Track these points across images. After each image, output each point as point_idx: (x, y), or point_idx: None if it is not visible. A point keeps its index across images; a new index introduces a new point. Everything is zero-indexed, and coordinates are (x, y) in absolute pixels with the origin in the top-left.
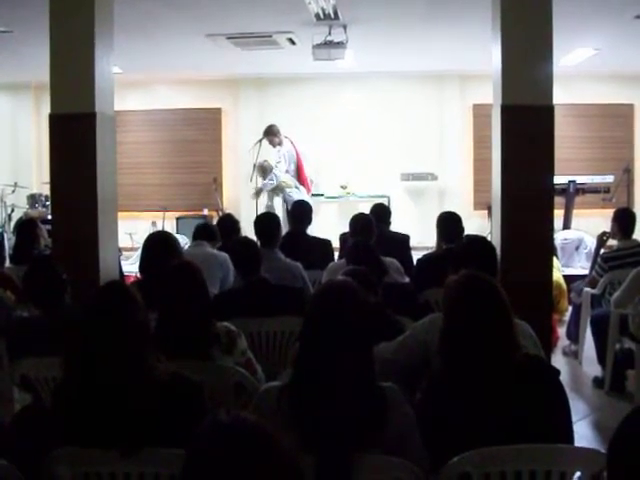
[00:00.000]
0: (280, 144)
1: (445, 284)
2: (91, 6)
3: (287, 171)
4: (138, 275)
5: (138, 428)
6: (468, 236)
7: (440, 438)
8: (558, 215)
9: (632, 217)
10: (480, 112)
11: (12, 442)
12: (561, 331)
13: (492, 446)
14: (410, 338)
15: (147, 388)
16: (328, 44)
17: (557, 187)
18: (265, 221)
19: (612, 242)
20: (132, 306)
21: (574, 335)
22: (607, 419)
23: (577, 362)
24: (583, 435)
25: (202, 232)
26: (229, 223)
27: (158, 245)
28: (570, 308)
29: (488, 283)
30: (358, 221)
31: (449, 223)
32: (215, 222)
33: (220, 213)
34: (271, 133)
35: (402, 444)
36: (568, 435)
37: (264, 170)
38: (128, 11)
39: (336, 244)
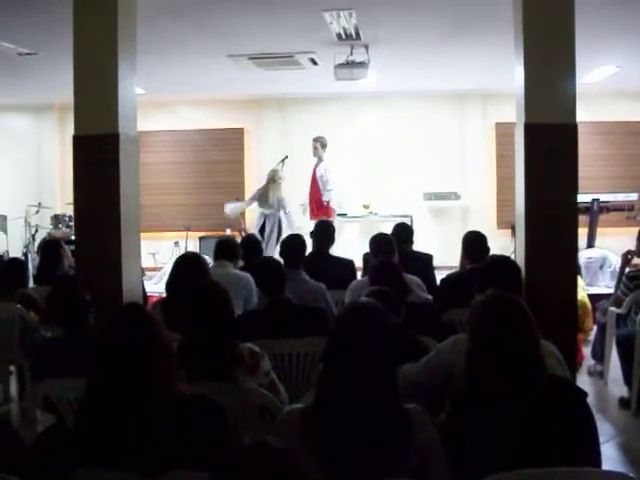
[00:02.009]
0: (320, 159)
1: (471, 304)
2: (114, 28)
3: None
4: (161, 295)
5: (161, 451)
6: (493, 256)
7: (465, 460)
8: (582, 233)
9: None
10: (502, 131)
11: (34, 463)
12: (586, 351)
13: (518, 469)
14: (434, 359)
15: (170, 410)
16: (350, 64)
17: (581, 205)
18: (290, 242)
19: (637, 260)
20: (151, 328)
21: (599, 355)
22: (634, 441)
23: (603, 382)
24: (609, 457)
25: (224, 250)
26: (252, 243)
27: (190, 265)
28: (595, 327)
29: (515, 303)
30: (379, 242)
31: (475, 242)
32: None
33: (243, 233)
34: (323, 144)
35: (426, 466)
36: (596, 458)
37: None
38: (151, 32)
39: (359, 264)
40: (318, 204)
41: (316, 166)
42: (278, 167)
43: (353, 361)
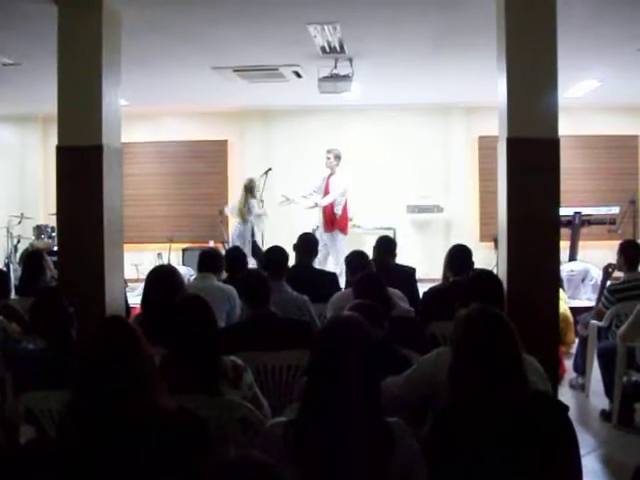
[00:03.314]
0: (332, 171)
1: (455, 317)
2: (99, 39)
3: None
4: None
5: (143, 464)
6: (476, 270)
7: (447, 473)
8: (564, 247)
9: (638, 249)
10: (486, 144)
11: (17, 476)
12: (568, 363)
13: None
14: (417, 372)
15: (152, 423)
16: (334, 77)
17: (563, 219)
18: (274, 253)
19: (618, 274)
20: (133, 340)
21: (581, 368)
22: (615, 453)
23: (584, 395)
24: (591, 469)
25: (207, 262)
26: (237, 256)
27: (161, 280)
28: (577, 340)
29: (499, 317)
30: (354, 259)
31: (460, 255)
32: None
33: (226, 245)
34: (337, 156)
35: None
36: (577, 472)
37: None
38: (135, 44)
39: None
40: (332, 217)
41: (329, 178)
42: (256, 178)
43: (336, 375)
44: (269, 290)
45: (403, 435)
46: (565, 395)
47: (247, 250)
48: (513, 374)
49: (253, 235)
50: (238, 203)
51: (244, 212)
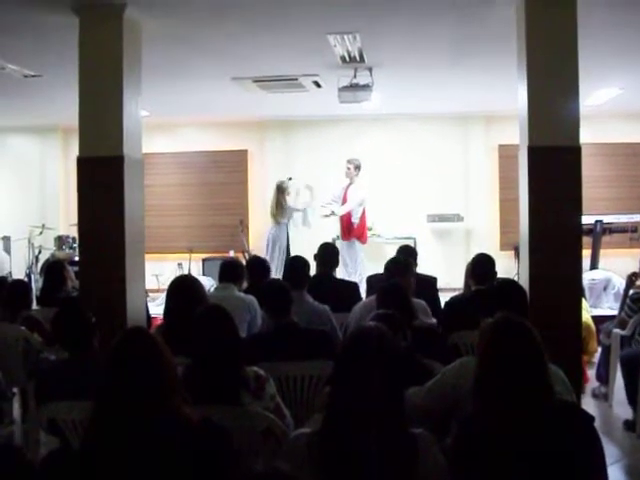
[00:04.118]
0: (351, 181)
1: (481, 327)
2: (120, 50)
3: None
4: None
5: (167, 475)
6: (499, 279)
7: None
8: (585, 255)
9: None
10: (506, 153)
11: None
12: (590, 373)
13: None
14: (440, 383)
15: (175, 434)
16: (354, 87)
17: (584, 227)
18: (295, 264)
19: None
20: (154, 350)
21: (604, 377)
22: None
23: (607, 404)
24: None
25: (228, 273)
26: (259, 265)
27: (182, 291)
28: (599, 349)
29: (525, 327)
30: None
31: (484, 264)
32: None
33: (246, 255)
34: (357, 166)
35: None
36: None
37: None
38: (155, 55)
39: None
40: (349, 226)
41: (347, 187)
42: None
43: (360, 385)
44: (290, 300)
45: (428, 447)
46: (588, 405)
47: (281, 254)
48: (539, 384)
49: (288, 238)
50: (270, 208)
51: (277, 214)
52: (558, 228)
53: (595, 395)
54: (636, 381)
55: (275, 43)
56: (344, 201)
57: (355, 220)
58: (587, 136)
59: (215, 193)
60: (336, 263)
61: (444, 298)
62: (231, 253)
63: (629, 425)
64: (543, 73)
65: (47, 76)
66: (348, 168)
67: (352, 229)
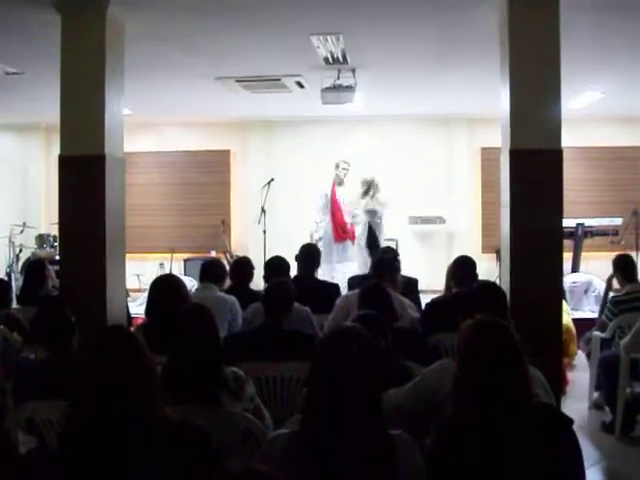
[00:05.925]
0: (341, 183)
1: (461, 329)
2: (102, 48)
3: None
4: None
5: (145, 475)
6: (479, 281)
7: None
8: (566, 258)
9: (631, 262)
10: (488, 155)
11: None
12: (570, 375)
13: None
14: (419, 384)
15: (154, 434)
16: (337, 88)
17: (565, 230)
18: (275, 264)
19: (618, 285)
20: (134, 349)
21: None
22: (618, 465)
23: (586, 407)
24: None
25: (209, 273)
26: (244, 266)
27: (164, 289)
28: (579, 353)
29: (505, 329)
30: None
31: (464, 267)
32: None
33: (228, 255)
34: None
35: None
36: None
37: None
38: (138, 54)
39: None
40: (343, 227)
41: (334, 188)
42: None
43: (337, 386)
44: (290, 304)
45: (407, 448)
46: (568, 408)
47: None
48: (518, 386)
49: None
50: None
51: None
52: (539, 231)
53: (597, 406)
54: (614, 381)
55: (258, 43)
56: (334, 203)
57: (349, 220)
58: (569, 139)
59: (197, 193)
60: (317, 264)
61: (425, 300)
62: (212, 253)
63: (607, 427)
64: (526, 77)
65: (29, 74)
66: (344, 169)
67: (347, 229)
